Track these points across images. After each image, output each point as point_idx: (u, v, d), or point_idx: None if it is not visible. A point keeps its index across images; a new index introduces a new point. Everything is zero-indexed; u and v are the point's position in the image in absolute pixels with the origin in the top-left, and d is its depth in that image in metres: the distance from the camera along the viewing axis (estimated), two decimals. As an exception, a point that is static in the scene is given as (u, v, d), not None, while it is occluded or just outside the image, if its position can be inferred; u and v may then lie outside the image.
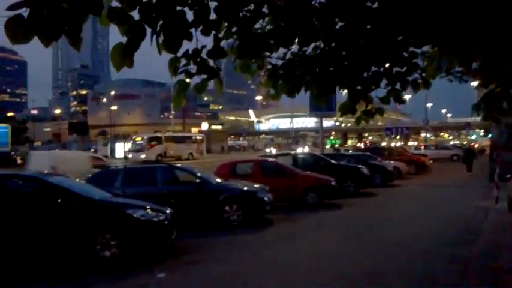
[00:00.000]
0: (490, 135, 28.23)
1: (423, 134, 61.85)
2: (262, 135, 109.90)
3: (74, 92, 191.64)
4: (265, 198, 11.20)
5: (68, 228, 7.52)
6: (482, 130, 79.23)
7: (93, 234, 7.47)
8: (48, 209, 7.69)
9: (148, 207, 8.09)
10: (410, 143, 58.86)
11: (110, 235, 7.49)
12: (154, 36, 1.98)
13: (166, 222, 8.04)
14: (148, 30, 1.95)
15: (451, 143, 77.10)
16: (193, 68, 2.40)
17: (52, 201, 7.70)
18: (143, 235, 7.73)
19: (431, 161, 29.82)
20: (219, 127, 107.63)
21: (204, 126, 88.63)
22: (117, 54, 1.90)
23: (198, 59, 2.37)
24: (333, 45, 2.88)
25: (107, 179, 11.28)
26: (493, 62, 3.17)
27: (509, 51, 3.06)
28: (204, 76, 2.43)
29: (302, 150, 43.45)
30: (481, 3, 2.78)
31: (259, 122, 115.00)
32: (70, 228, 7.52)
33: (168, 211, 8.33)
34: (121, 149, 54.70)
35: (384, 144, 60.33)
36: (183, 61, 2.36)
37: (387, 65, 2.97)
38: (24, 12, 1.61)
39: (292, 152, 22.07)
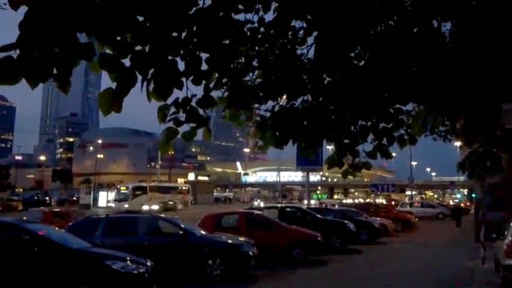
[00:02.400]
0: (473, 195, 28.65)
1: (408, 192, 62.11)
2: (249, 188, 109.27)
3: (61, 139, 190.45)
4: (250, 253, 10.91)
5: (42, 278, 7.19)
6: (466, 190, 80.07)
7: (68, 285, 7.12)
8: (24, 257, 7.38)
9: (128, 258, 7.82)
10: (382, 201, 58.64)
11: (85, 287, 7.16)
12: (145, 83, 1.98)
13: (146, 275, 7.75)
14: (139, 77, 1.95)
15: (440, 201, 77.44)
16: (182, 116, 2.40)
17: (28, 249, 7.41)
18: (121, 288, 7.40)
19: (416, 219, 29.80)
20: (205, 178, 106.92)
21: (191, 176, 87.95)
22: (106, 99, 1.90)
23: (188, 107, 2.38)
24: (321, 99, 2.93)
25: (88, 228, 10.95)
26: (475, 123, 3.24)
27: (491, 112, 3.15)
28: (193, 124, 2.43)
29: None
30: (462, 65, 2.89)
31: (246, 174, 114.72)
32: (45, 278, 7.19)
33: (148, 263, 8.06)
34: (104, 198, 53.69)
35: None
36: (172, 109, 2.36)
37: (374, 120, 3.02)
38: (14, 53, 1.61)
39: (279, 205, 21.87)
